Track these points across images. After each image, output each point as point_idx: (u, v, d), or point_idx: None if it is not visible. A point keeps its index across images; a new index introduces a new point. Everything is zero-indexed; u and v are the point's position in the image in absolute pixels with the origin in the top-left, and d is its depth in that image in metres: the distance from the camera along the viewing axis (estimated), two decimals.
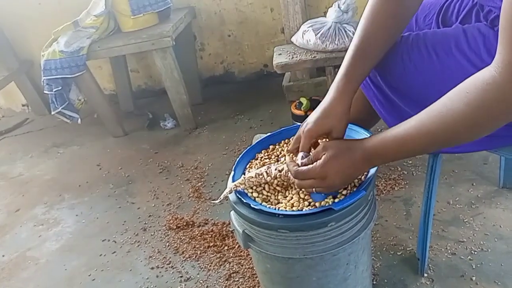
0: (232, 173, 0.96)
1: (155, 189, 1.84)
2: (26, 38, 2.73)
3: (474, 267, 1.15)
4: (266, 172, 0.89)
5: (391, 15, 0.88)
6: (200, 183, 1.80)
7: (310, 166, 0.79)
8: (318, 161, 0.79)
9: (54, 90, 2.12)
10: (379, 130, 1.85)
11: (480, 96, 0.63)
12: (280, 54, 1.93)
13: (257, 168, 0.96)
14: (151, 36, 2.06)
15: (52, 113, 2.22)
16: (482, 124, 0.66)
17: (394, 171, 1.59)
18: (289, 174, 0.87)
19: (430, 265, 1.18)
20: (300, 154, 0.85)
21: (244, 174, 0.97)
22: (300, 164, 0.83)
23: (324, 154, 0.79)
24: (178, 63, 2.16)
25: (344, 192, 0.85)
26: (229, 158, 1.92)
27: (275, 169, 0.89)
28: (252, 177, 0.88)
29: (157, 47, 2.07)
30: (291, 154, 0.90)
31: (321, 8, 2.35)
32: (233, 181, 0.93)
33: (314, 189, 0.82)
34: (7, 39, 2.69)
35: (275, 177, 0.89)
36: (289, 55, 1.88)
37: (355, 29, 1.84)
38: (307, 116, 0.99)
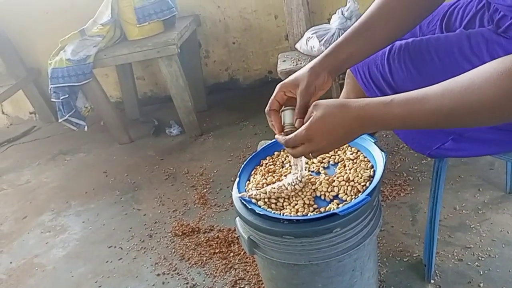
0: (237, 179, 0.96)
1: (161, 195, 1.84)
2: (34, 47, 2.77)
3: (481, 273, 1.15)
4: (287, 184, 0.89)
5: (405, 8, 0.86)
6: (205, 190, 1.80)
7: (296, 132, 0.76)
8: (304, 125, 0.75)
9: (61, 98, 2.15)
10: (384, 136, 1.85)
11: None
12: (284, 60, 1.94)
13: (263, 176, 0.96)
14: (156, 44, 2.09)
15: (59, 120, 2.24)
16: (508, 110, 0.60)
17: (399, 177, 1.58)
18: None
19: (437, 271, 1.18)
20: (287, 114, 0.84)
21: (249, 180, 0.97)
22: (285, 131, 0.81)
23: (312, 115, 0.74)
24: (183, 71, 2.18)
25: (348, 198, 0.85)
26: (234, 165, 1.93)
27: (295, 179, 0.90)
28: (274, 188, 0.89)
29: (162, 54, 2.10)
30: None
31: (325, 14, 2.36)
32: (238, 187, 0.93)
33: (310, 154, 0.78)
34: (14, 48, 2.73)
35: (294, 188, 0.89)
36: (293, 62, 1.89)
37: None
38: None
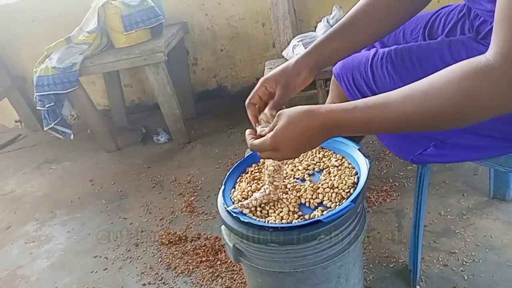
0: (223, 187, 0.96)
1: (147, 204, 1.83)
2: (19, 55, 2.74)
3: (466, 278, 1.15)
4: (271, 190, 0.89)
5: (389, 7, 0.88)
6: (193, 198, 1.79)
7: (262, 139, 0.77)
8: (270, 133, 0.77)
9: (46, 106, 2.13)
10: (370, 142, 1.87)
11: (475, 84, 0.58)
12: (271, 68, 1.95)
13: (249, 184, 0.96)
14: (143, 52, 2.08)
15: (45, 129, 2.22)
16: (469, 113, 0.61)
17: (386, 183, 1.60)
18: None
19: (422, 276, 1.18)
20: (260, 125, 0.86)
21: (234, 188, 0.97)
22: (258, 134, 0.83)
23: (276, 124, 0.76)
24: (171, 78, 2.18)
25: (333, 205, 0.85)
26: (222, 172, 1.92)
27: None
28: (266, 194, 0.88)
29: (149, 62, 2.09)
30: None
31: (311, 22, 2.38)
32: (223, 195, 0.93)
33: (277, 158, 0.81)
34: None
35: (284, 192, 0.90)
36: None
37: None
38: None
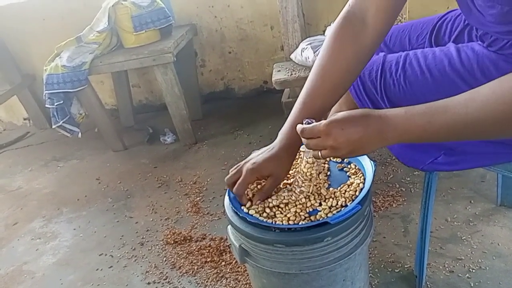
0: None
1: (153, 203, 1.83)
2: (29, 53, 2.77)
3: (472, 285, 1.15)
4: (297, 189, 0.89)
5: (349, 54, 0.85)
6: (198, 198, 1.80)
7: (315, 123, 0.74)
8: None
9: (55, 104, 2.14)
10: (380, 155, 1.85)
11: None
12: (279, 70, 1.96)
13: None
14: (152, 52, 2.09)
15: (53, 127, 2.24)
16: None
17: (392, 188, 1.59)
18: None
19: (428, 282, 1.18)
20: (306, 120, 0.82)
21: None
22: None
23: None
24: (179, 79, 2.19)
25: (340, 206, 0.85)
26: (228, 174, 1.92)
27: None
28: (285, 193, 0.89)
29: (158, 63, 2.10)
30: None
31: (320, 26, 2.39)
32: (229, 196, 0.93)
33: (320, 153, 0.76)
34: (10, 54, 2.73)
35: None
36: (288, 72, 1.91)
37: None
38: None
